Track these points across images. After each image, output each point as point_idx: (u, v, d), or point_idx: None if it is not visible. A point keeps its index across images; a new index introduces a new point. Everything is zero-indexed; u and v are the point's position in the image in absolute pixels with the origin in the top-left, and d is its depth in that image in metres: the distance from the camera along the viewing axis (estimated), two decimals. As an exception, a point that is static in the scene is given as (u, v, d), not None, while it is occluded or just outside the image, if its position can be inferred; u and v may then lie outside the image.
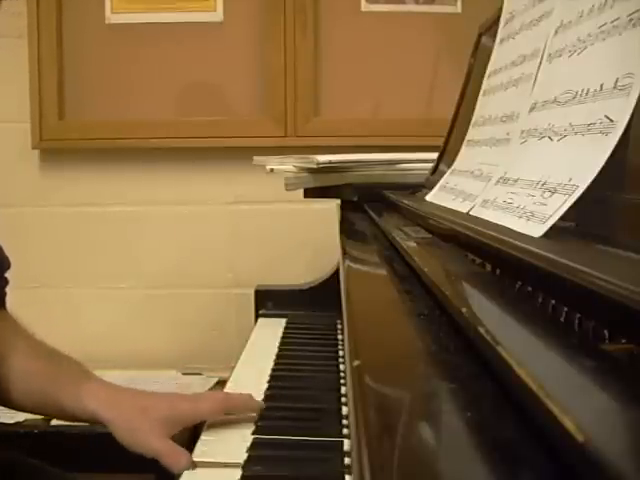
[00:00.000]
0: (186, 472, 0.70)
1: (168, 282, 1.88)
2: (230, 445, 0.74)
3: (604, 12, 0.52)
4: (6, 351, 0.81)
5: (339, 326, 1.20)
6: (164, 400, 0.78)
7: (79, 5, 1.83)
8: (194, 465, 0.71)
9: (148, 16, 1.82)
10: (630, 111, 0.44)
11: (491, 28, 0.96)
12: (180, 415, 0.75)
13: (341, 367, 1.00)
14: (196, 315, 1.87)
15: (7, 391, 0.79)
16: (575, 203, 0.46)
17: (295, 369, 1.01)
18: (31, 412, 0.87)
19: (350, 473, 0.66)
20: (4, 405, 0.83)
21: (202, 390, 1.59)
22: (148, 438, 0.73)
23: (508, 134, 0.69)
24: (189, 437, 0.79)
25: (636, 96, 0.44)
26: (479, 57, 1.04)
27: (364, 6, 1.82)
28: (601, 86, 0.48)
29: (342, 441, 0.73)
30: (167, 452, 0.71)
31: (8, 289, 0.94)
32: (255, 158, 1.36)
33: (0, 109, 1.85)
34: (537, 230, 0.47)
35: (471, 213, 0.66)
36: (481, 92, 0.89)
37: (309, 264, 1.74)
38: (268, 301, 1.39)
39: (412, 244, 0.67)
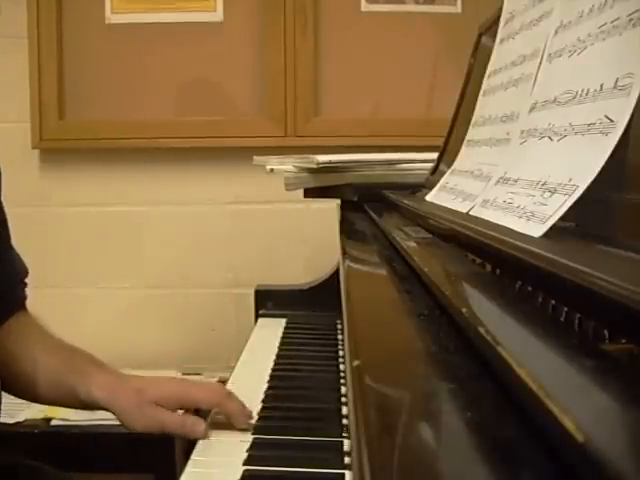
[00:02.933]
0: (187, 471, 0.70)
1: (168, 282, 1.88)
2: (230, 445, 0.74)
3: (604, 12, 0.52)
4: (31, 351, 0.87)
5: (339, 326, 1.20)
6: (156, 382, 0.83)
7: (79, 5, 1.83)
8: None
9: (148, 16, 1.82)
10: (630, 111, 0.44)
11: (491, 28, 0.96)
12: (170, 396, 0.80)
13: (341, 367, 1.00)
14: (196, 315, 1.87)
15: (34, 387, 0.85)
16: (575, 203, 0.46)
17: (295, 369, 1.01)
18: (53, 404, 0.93)
19: (350, 472, 0.66)
20: (33, 400, 0.91)
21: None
22: (142, 417, 0.78)
23: (508, 134, 0.69)
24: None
25: (636, 96, 0.44)
26: (479, 57, 1.04)
27: (364, 6, 1.82)
28: (601, 86, 0.48)
29: (342, 441, 0.73)
30: (170, 423, 0.77)
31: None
32: (255, 158, 1.36)
33: (0, 109, 1.85)
34: (537, 230, 0.47)
35: (471, 213, 0.66)
36: (481, 92, 0.89)
37: (309, 264, 1.74)
38: (268, 301, 1.38)
39: (412, 244, 0.67)
